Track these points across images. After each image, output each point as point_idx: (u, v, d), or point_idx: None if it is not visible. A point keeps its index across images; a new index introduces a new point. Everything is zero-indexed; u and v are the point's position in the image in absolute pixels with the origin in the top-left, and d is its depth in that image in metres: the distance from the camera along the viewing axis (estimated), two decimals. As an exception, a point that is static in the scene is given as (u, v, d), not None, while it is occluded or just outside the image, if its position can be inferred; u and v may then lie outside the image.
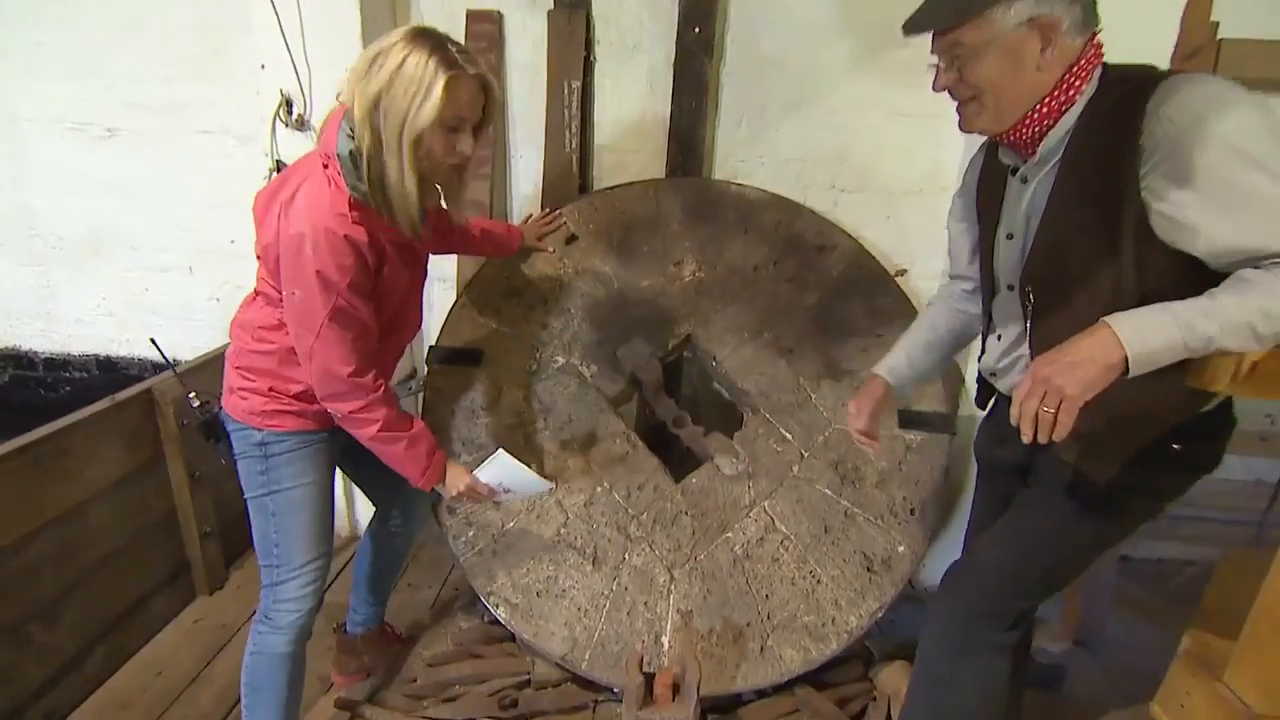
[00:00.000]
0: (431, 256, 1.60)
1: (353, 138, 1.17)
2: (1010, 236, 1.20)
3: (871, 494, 1.75)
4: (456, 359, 1.86)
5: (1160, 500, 1.17)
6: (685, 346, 1.93)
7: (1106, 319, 0.92)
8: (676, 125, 2.10)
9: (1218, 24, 1.99)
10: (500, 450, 1.41)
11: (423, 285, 1.50)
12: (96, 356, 2.80)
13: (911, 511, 1.74)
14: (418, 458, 1.35)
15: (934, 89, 1.11)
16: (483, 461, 1.42)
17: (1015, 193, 1.17)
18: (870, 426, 1.39)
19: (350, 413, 1.27)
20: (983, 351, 1.38)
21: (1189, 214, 0.94)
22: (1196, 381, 0.96)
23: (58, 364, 2.83)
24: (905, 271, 2.14)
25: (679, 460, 2.10)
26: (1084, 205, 1.05)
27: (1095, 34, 1.06)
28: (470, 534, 1.75)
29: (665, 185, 2.01)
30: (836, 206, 2.19)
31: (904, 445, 1.78)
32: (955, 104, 1.13)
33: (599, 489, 1.76)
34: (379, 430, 1.29)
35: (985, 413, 1.51)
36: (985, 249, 1.28)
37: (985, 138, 1.20)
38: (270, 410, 1.31)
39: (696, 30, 2.03)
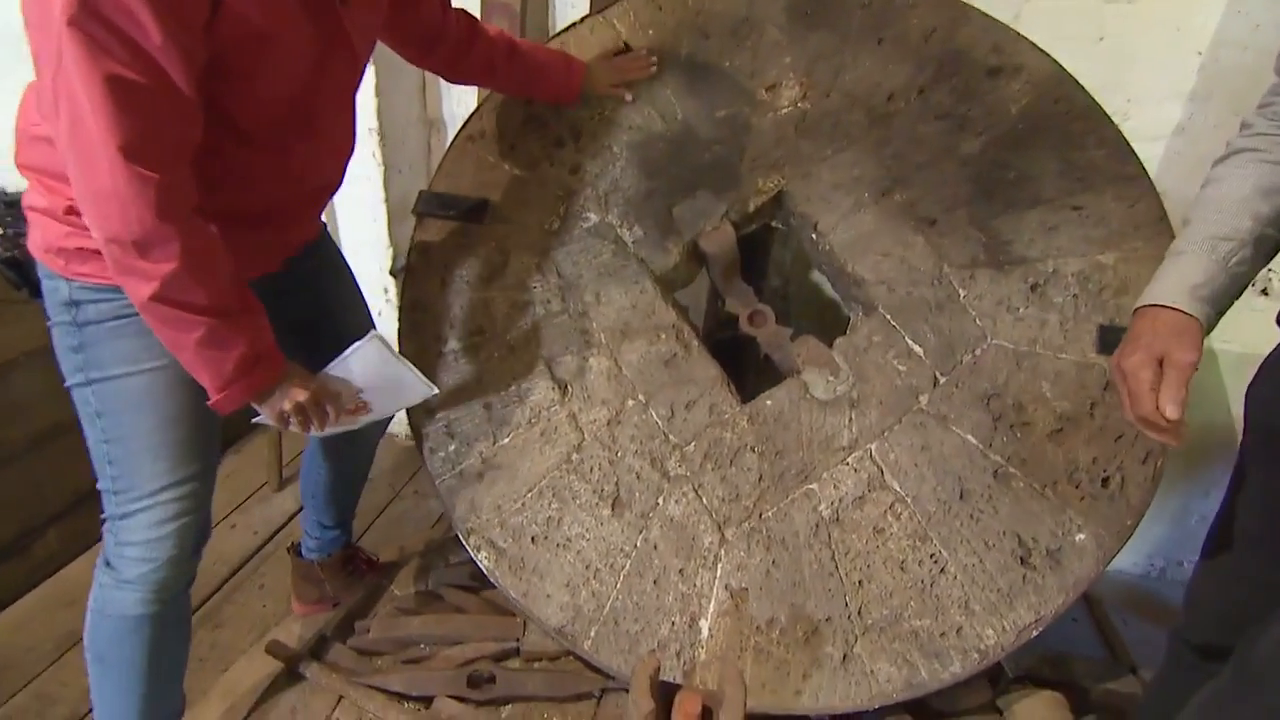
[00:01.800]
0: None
1: None
2: None
3: (1041, 449, 1.14)
4: (452, 209, 1.35)
5: None
6: (774, 209, 1.33)
7: None
8: (790, -111, 1.42)
9: None
10: (372, 334, 0.96)
11: (353, 86, 0.98)
12: None
13: (1104, 482, 1.12)
14: (217, 360, 0.82)
15: None
16: (345, 354, 0.97)
17: None
18: (1180, 407, 0.74)
19: (120, 254, 0.74)
20: None
21: None
22: None
23: None
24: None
25: (753, 375, 1.54)
26: None
27: None
28: (451, 448, 1.28)
29: (765, -27, 1.36)
30: (1020, 19, 1.47)
31: (1101, 379, 1.15)
32: None
33: (630, 403, 1.24)
34: (156, 292, 0.76)
35: None
36: None
37: None
38: (74, 248, 0.83)
39: None
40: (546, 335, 1.28)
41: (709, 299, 1.63)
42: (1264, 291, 1.47)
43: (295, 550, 1.41)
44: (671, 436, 1.22)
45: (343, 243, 1.88)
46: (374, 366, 1.01)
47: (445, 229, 1.35)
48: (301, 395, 0.91)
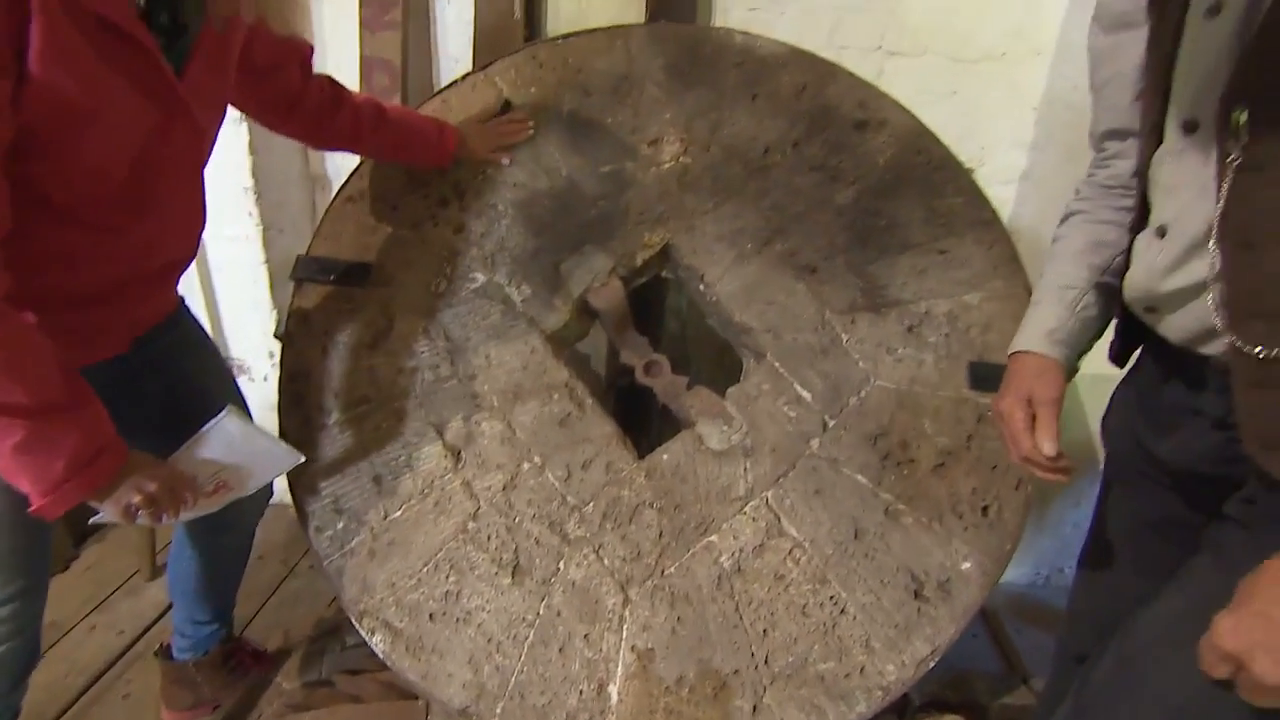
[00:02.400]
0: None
1: None
2: (1215, 9, 0.62)
3: (926, 484, 1.18)
4: (332, 274, 1.29)
5: None
6: (662, 262, 1.35)
7: None
8: (661, -46, 1.47)
9: None
10: (227, 410, 0.90)
11: (200, 159, 0.93)
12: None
13: (984, 511, 1.17)
14: (42, 464, 0.73)
15: None
16: (200, 433, 0.91)
17: None
18: (1054, 443, 0.79)
19: None
20: (1128, 262, 0.81)
21: None
22: None
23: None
24: (972, 171, 1.53)
25: (657, 422, 1.54)
26: None
27: None
28: (339, 525, 1.21)
29: (640, 34, 1.40)
30: (882, 76, 1.57)
31: (975, 413, 1.21)
32: None
33: (525, 466, 1.21)
34: None
35: (1125, 372, 0.94)
36: (1157, 57, 0.69)
37: None
38: None
39: None
40: (436, 400, 1.24)
41: (609, 347, 1.63)
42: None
43: (164, 652, 1.29)
44: (569, 498, 1.20)
45: (221, 305, 1.78)
46: (232, 443, 0.94)
47: (326, 294, 1.29)
48: (151, 485, 0.83)
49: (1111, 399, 0.97)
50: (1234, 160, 0.61)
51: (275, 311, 1.72)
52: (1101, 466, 1.03)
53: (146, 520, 0.86)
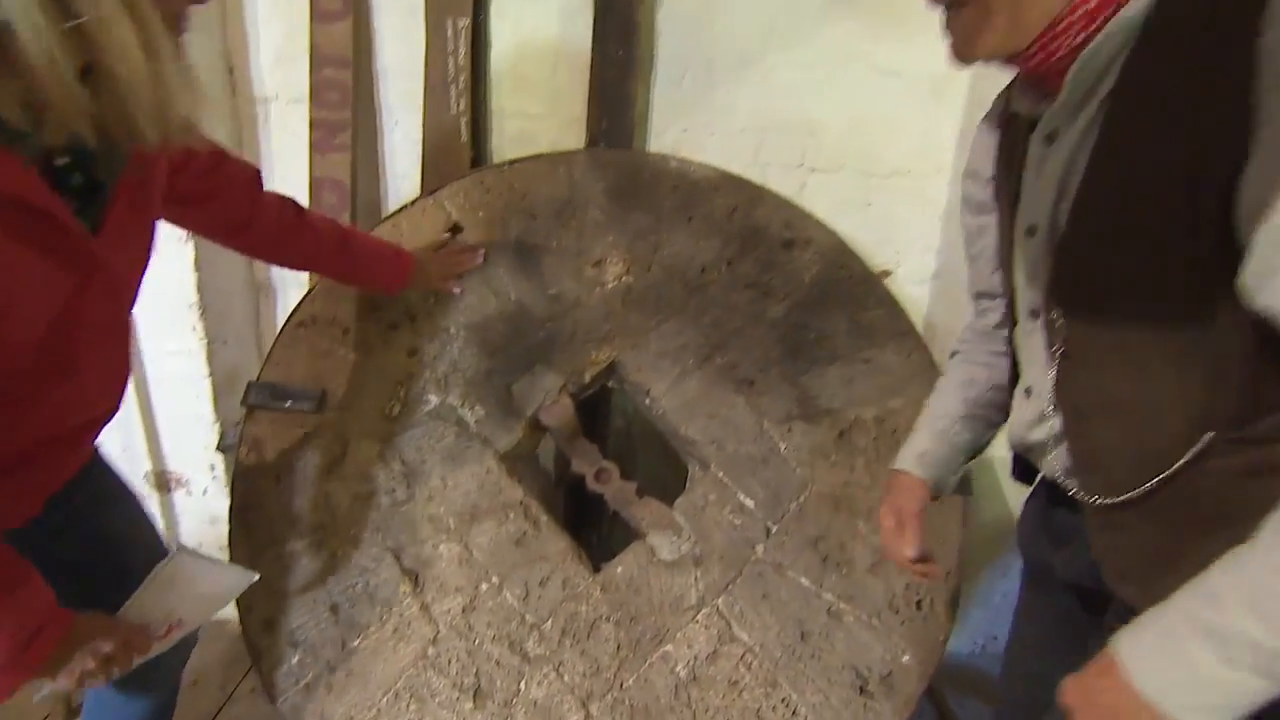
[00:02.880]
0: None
1: None
2: (1032, 231, 0.75)
3: (864, 583, 1.27)
4: (285, 400, 1.31)
5: None
6: (609, 376, 1.42)
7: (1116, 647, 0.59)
8: (599, 82, 1.58)
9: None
10: (177, 548, 0.90)
11: (124, 312, 0.89)
12: None
13: (918, 605, 1.26)
14: None
15: None
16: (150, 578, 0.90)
17: (1038, 161, 0.72)
18: (922, 549, 0.94)
19: None
20: (1004, 400, 0.93)
21: None
22: None
23: None
24: (890, 273, 1.68)
25: (605, 525, 1.59)
26: (1149, 165, 0.59)
27: None
28: (295, 660, 1.21)
29: (582, 159, 1.50)
30: (804, 189, 1.71)
31: (905, 512, 1.31)
32: (943, 21, 0.67)
33: (484, 587, 1.24)
34: None
35: (1030, 490, 1.05)
36: (1002, 256, 0.84)
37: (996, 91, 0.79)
38: None
39: (623, -45, 1.52)
40: (394, 525, 1.26)
41: (555, 462, 1.68)
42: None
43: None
44: (528, 616, 1.23)
45: (160, 418, 1.75)
46: (184, 581, 0.93)
47: (278, 421, 1.31)
48: (106, 646, 0.82)
49: (1024, 506, 1.08)
50: (1058, 350, 0.74)
51: (218, 424, 1.71)
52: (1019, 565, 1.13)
53: (97, 682, 0.85)
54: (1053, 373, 0.75)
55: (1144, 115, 0.60)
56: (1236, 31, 0.51)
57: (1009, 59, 0.67)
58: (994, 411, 0.97)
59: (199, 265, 1.62)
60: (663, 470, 1.64)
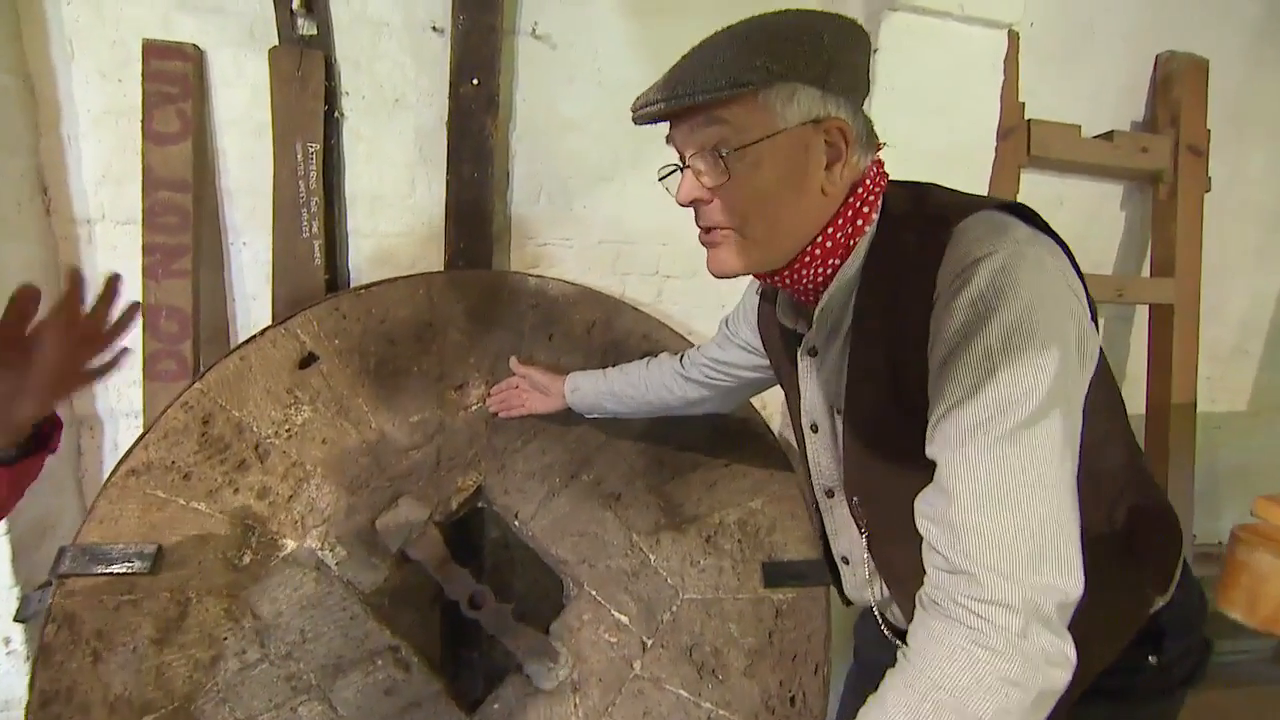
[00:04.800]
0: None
1: None
2: (815, 428, 0.88)
3: (740, 686, 1.31)
4: (109, 564, 1.19)
5: None
6: (477, 499, 1.40)
7: None
8: (455, 201, 1.62)
9: (1024, 104, 1.93)
10: None
11: None
12: None
13: (792, 701, 1.32)
14: None
15: (679, 200, 0.77)
16: None
17: (807, 370, 0.86)
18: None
19: None
20: (836, 575, 1.02)
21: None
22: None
23: None
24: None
25: (487, 648, 1.54)
26: (884, 384, 0.74)
27: (879, 153, 0.78)
28: None
29: (440, 281, 1.51)
30: (662, 297, 1.82)
31: (773, 609, 1.37)
32: (701, 229, 0.78)
33: (350, 746, 1.16)
34: None
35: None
36: (797, 437, 0.95)
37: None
38: None
39: (475, 82, 1.59)
40: (243, 692, 1.16)
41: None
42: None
43: None
44: (401, 773, 1.16)
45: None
46: None
47: (100, 589, 1.18)
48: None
49: (861, 614, 1.17)
50: (864, 533, 0.86)
51: (17, 588, 1.49)
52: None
53: None
54: (864, 548, 0.86)
55: (870, 350, 0.75)
56: (918, 304, 0.68)
57: (761, 276, 0.80)
58: (642, 410, 1.28)
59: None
60: (543, 575, 1.62)
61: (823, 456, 0.88)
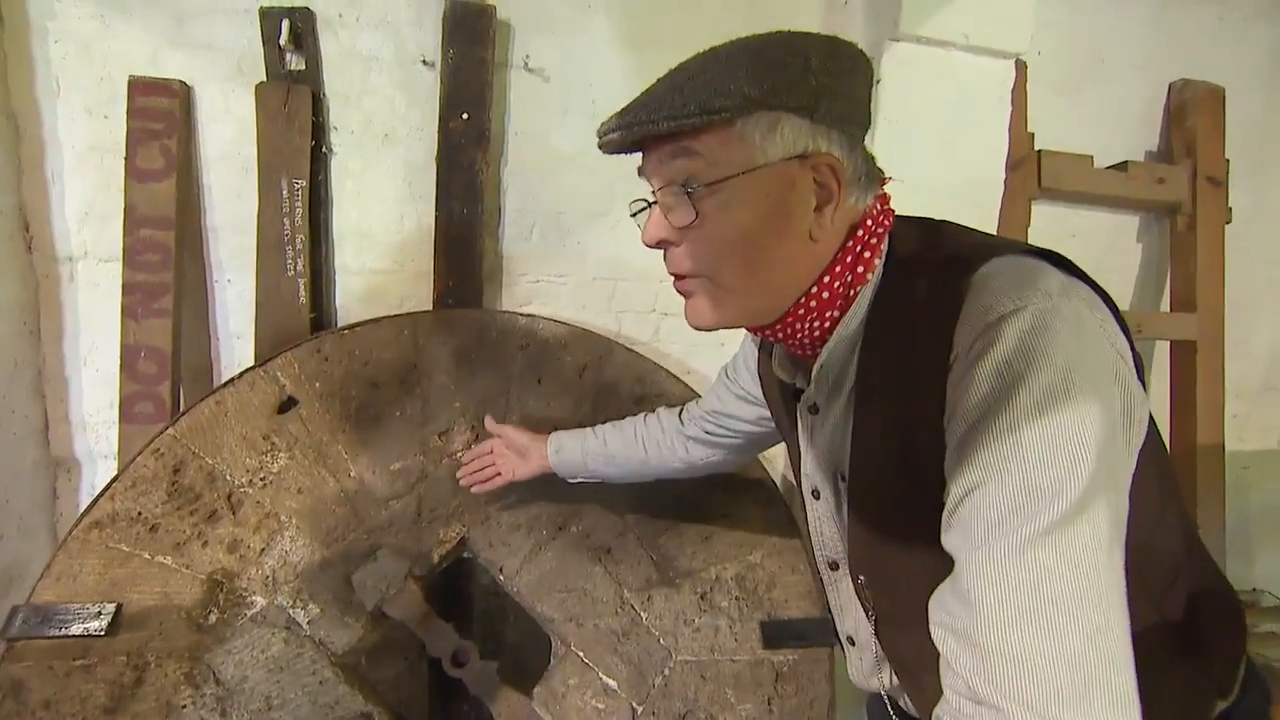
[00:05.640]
0: None
1: None
2: (816, 494, 0.79)
3: (736, 759, 1.21)
4: (62, 627, 1.12)
5: None
6: (459, 553, 1.33)
7: None
8: (445, 238, 1.57)
9: (1033, 135, 1.88)
10: None
11: None
12: None
13: (791, 775, 1.22)
14: None
15: (645, 240, 0.68)
16: None
17: (808, 428, 0.76)
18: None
19: None
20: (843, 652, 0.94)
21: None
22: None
23: None
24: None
25: (480, 710, 1.46)
26: (893, 451, 0.65)
27: (884, 189, 0.69)
28: None
29: (426, 321, 1.45)
30: (659, 334, 1.76)
31: (772, 672, 1.28)
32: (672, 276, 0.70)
33: (315, 826, 1.08)
34: None
35: None
36: (798, 495, 0.85)
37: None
38: None
39: (465, 116, 1.55)
40: (202, 765, 1.09)
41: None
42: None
43: None
44: None
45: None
46: None
47: (50, 653, 1.11)
48: None
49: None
50: (871, 615, 0.76)
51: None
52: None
53: None
54: (872, 632, 0.77)
55: (877, 414, 0.66)
56: (932, 365, 0.59)
57: (751, 329, 0.72)
58: (637, 474, 1.15)
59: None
60: (536, 626, 1.54)
61: (825, 526, 0.80)
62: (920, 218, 0.71)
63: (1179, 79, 1.98)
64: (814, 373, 0.71)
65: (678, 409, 1.14)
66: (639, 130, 0.61)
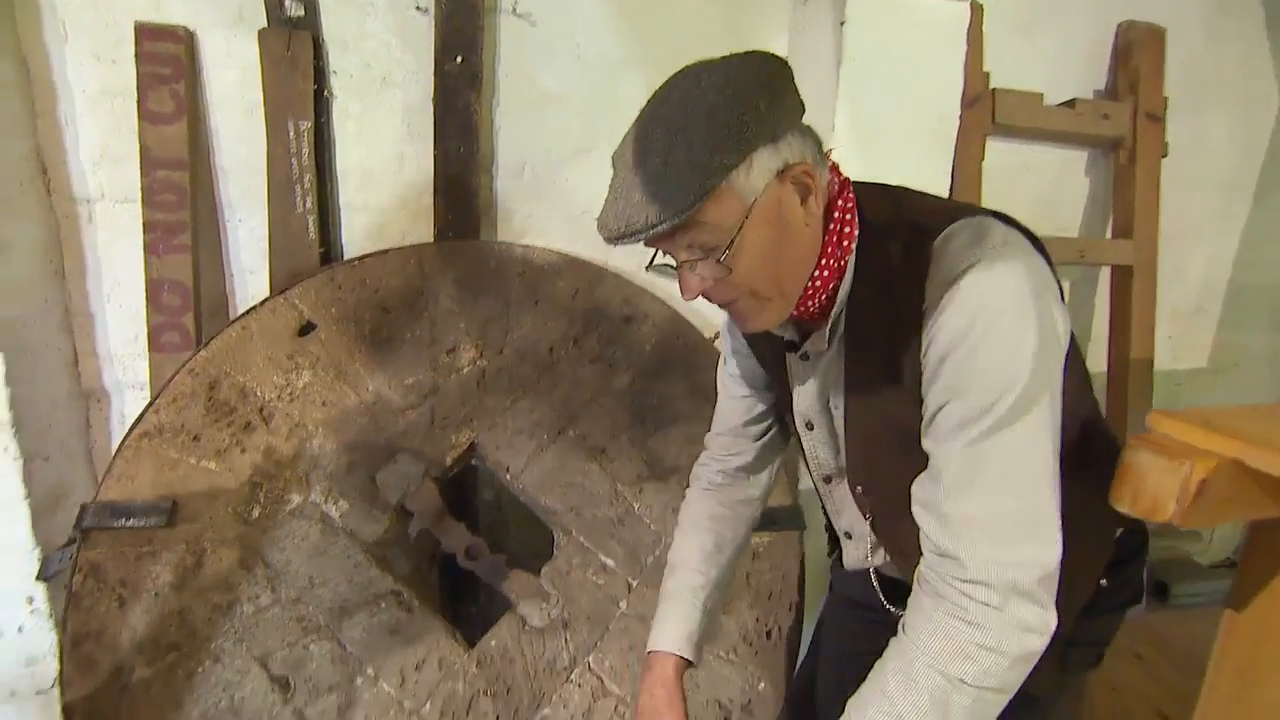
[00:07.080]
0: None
1: None
2: (810, 426, 0.95)
3: (720, 622, 1.41)
4: (128, 518, 1.27)
5: (1097, 656, 0.95)
6: (470, 456, 1.49)
7: None
8: (443, 176, 1.68)
9: (988, 74, 2.00)
10: None
11: None
12: None
13: (768, 635, 1.42)
14: None
15: (687, 298, 0.79)
16: None
17: (800, 371, 0.92)
18: None
19: None
20: (838, 549, 1.10)
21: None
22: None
23: None
24: (720, 336, 1.89)
25: (485, 601, 1.64)
26: (880, 380, 0.82)
27: (830, 159, 0.82)
28: (156, 788, 1.16)
29: (430, 252, 1.58)
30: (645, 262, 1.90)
31: (750, 552, 1.47)
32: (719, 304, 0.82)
33: (359, 680, 1.26)
34: None
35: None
36: (796, 432, 1.01)
37: None
38: None
39: (459, 60, 1.65)
40: (259, 632, 1.25)
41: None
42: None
43: None
44: (406, 703, 1.26)
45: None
46: None
47: (120, 541, 1.26)
48: None
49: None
50: (869, 516, 0.94)
51: (38, 550, 1.57)
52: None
53: None
54: (869, 527, 0.95)
55: (868, 354, 0.82)
56: (910, 313, 0.75)
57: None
58: (736, 561, 1.14)
59: (10, 380, 1.52)
60: (534, 533, 1.72)
61: (820, 450, 0.96)
62: (878, 184, 0.85)
63: (1125, 20, 2.12)
64: (828, 329, 0.84)
65: (687, 484, 1.18)
66: (654, 235, 0.71)
